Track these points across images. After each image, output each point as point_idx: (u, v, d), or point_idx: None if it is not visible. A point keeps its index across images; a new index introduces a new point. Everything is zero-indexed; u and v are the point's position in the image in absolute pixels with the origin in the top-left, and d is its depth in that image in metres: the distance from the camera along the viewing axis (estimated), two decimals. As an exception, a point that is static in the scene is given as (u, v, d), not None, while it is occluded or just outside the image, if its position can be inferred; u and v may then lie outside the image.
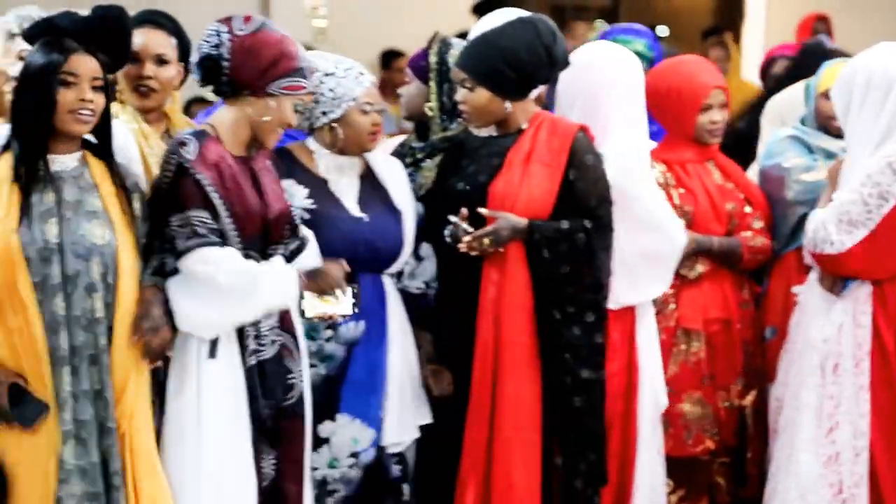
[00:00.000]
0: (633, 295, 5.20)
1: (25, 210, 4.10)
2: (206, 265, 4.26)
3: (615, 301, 5.13)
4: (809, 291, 5.31)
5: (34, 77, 4.12)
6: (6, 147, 4.16)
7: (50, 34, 4.25)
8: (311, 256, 4.64)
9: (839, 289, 5.18)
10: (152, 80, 4.83)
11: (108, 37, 4.30)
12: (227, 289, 4.27)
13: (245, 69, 4.43)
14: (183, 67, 4.92)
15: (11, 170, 4.11)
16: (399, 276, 5.04)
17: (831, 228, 5.08)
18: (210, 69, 4.45)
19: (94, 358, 4.15)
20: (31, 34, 4.37)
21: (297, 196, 4.77)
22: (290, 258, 4.57)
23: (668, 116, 5.63)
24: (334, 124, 4.86)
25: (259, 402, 4.41)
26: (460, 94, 5.02)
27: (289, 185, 4.77)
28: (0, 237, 4.04)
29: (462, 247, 4.84)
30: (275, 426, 4.49)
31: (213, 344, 4.34)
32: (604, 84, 5.24)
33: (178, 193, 4.32)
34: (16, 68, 4.55)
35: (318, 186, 4.87)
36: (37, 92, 4.11)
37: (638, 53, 6.24)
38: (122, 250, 4.21)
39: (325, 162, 4.92)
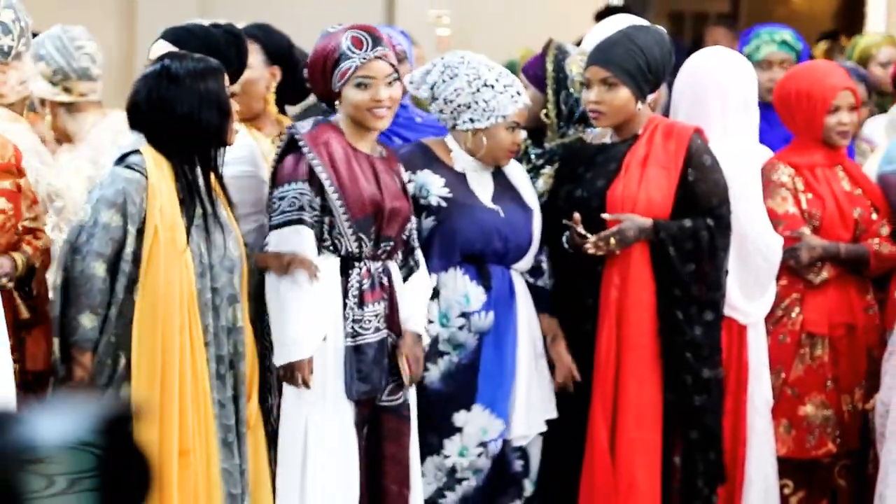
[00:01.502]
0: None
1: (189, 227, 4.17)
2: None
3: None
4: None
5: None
6: (123, 159, 4.19)
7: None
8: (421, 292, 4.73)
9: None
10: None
11: (226, 52, 4.49)
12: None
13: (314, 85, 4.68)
14: (279, 70, 5.00)
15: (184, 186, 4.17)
16: (531, 272, 5.08)
17: None
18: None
19: (232, 364, 4.27)
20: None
21: (435, 185, 4.86)
22: (405, 276, 4.68)
23: (797, 119, 5.58)
24: (479, 133, 4.90)
25: (348, 383, 4.47)
26: (596, 93, 5.00)
27: (426, 175, 4.86)
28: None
29: (589, 248, 4.87)
30: (377, 421, 4.57)
31: None
32: (708, 88, 5.26)
33: (283, 166, 4.46)
34: (40, 86, 4.76)
35: (455, 179, 4.92)
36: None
37: (785, 43, 6.31)
38: (242, 261, 4.34)
39: (461, 160, 4.96)
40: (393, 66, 4.60)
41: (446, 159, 4.97)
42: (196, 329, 4.08)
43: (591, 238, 4.88)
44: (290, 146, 4.50)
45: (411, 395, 4.67)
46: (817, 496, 5.65)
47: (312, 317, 4.42)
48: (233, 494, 4.23)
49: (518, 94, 4.96)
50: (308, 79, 4.73)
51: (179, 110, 4.17)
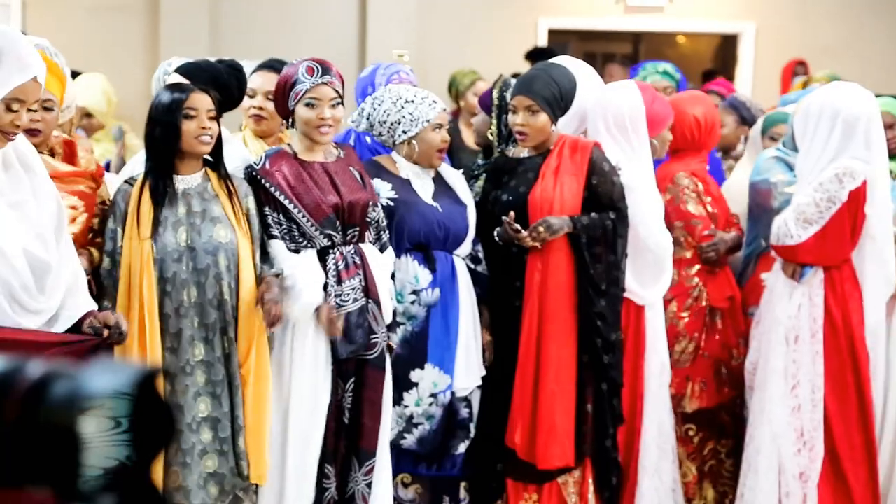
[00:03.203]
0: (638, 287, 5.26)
1: (158, 222, 4.20)
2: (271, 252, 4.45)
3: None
4: (775, 278, 5.34)
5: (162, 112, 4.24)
6: (147, 174, 4.25)
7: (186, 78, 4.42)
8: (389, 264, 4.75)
9: (798, 275, 5.23)
10: (263, 111, 4.99)
11: (227, 82, 4.51)
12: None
13: (276, 104, 4.67)
14: None
15: (149, 190, 4.21)
16: (472, 260, 5.06)
17: (791, 225, 5.14)
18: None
19: (224, 330, 4.26)
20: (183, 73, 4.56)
21: (384, 189, 4.82)
22: (381, 249, 4.68)
23: (695, 137, 5.67)
24: (412, 140, 4.90)
25: (339, 346, 4.48)
26: (521, 117, 5.00)
27: (377, 182, 4.82)
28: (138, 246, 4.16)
29: (525, 238, 4.89)
30: (358, 371, 4.56)
31: None
32: (608, 112, 5.26)
33: (257, 197, 4.47)
34: None
35: (401, 184, 4.91)
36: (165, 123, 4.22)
37: (666, 73, 6.33)
38: (241, 245, 4.32)
39: (405, 168, 4.96)
40: (337, 91, 4.57)
41: (393, 169, 4.96)
42: (151, 304, 4.14)
43: (525, 231, 4.90)
44: (251, 180, 4.52)
45: (386, 353, 4.67)
46: (711, 432, 5.68)
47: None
48: (221, 437, 4.23)
49: (434, 101, 4.96)
50: (274, 100, 4.73)
51: (147, 131, 4.27)
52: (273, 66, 5.07)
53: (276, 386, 4.44)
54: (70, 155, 4.62)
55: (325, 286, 4.48)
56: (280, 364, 4.46)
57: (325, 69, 4.56)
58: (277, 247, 4.47)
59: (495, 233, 5.03)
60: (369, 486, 4.63)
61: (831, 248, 5.21)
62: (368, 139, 5.20)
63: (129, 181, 4.26)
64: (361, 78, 5.60)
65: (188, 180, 4.29)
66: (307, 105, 4.52)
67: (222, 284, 4.27)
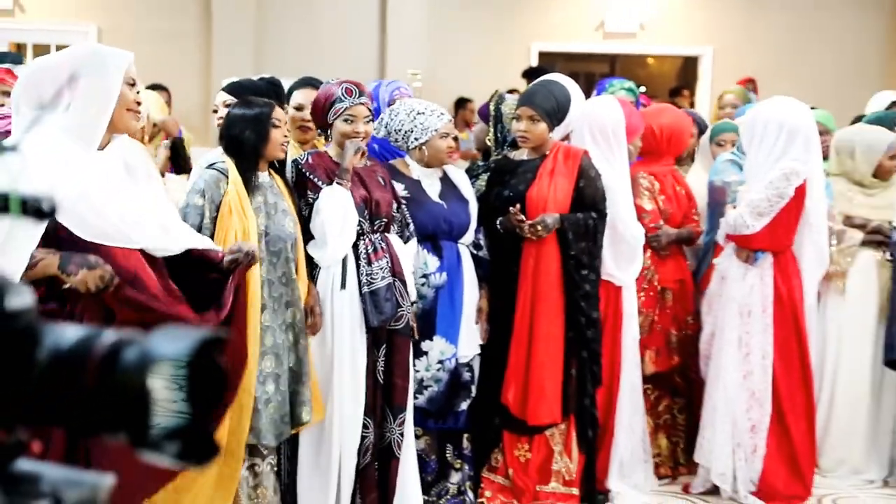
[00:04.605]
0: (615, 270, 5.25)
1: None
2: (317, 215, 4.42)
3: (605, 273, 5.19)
4: (727, 262, 5.34)
5: (255, 121, 4.21)
6: (211, 165, 4.20)
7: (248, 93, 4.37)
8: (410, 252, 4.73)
9: (752, 260, 5.25)
10: (309, 122, 4.92)
11: (268, 95, 4.43)
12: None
13: (314, 117, 4.65)
14: None
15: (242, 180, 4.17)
16: (475, 247, 5.04)
17: (747, 218, 5.15)
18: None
19: (289, 303, 4.25)
20: (231, 91, 4.56)
21: (398, 188, 4.79)
22: (406, 239, 4.67)
23: (665, 143, 5.68)
24: (422, 146, 4.89)
25: (370, 316, 4.46)
26: (524, 124, 5.03)
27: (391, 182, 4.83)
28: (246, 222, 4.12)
29: (526, 228, 4.91)
30: (389, 339, 4.56)
31: (343, 278, 4.45)
32: (593, 124, 5.25)
33: (299, 185, 4.49)
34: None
35: (413, 184, 4.90)
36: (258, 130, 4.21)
37: (629, 89, 6.33)
38: (298, 234, 4.34)
39: (416, 170, 4.95)
40: (370, 110, 4.58)
41: (406, 171, 4.95)
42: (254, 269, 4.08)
43: (528, 221, 4.91)
44: (298, 173, 4.53)
45: (413, 324, 4.67)
46: (666, 392, 5.69)
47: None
48: (281, 390, 4.21)
49: (442, 113, 4.95)
50: (311, 112, 4.71)
51: (233, 136, 4.21)
52: (312, 83, 5.04)
53: (321, 352, 4.44)
54: None
55: (358, 267, 4.49)
56: (323, 333, 4.45)
57: (361, 91, 4.57)
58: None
59: (497, 222, 5.04)
60: (402, 434, 4.65)
61: (780, 236, 5.24)
62: (376, 146, 5.18)
63: (218, 169, 4.18)
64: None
65: (262, 177, 4.28)
66: (345, 121, 4.52)
67: (290, 265, 4.27)
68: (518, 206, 4.94)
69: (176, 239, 3.58)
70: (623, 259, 5.25)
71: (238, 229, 4.08)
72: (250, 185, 4.20)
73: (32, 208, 1.24)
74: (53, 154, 3.23)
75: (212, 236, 4.02)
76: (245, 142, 4.20)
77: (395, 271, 4.56)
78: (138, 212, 3.44)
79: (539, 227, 4.93)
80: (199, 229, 4.03)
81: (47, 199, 1.24)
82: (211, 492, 3.98)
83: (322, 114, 4.57)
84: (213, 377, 1.17)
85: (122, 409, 1.14)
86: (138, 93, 3.52)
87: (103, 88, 3.35)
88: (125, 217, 3.38)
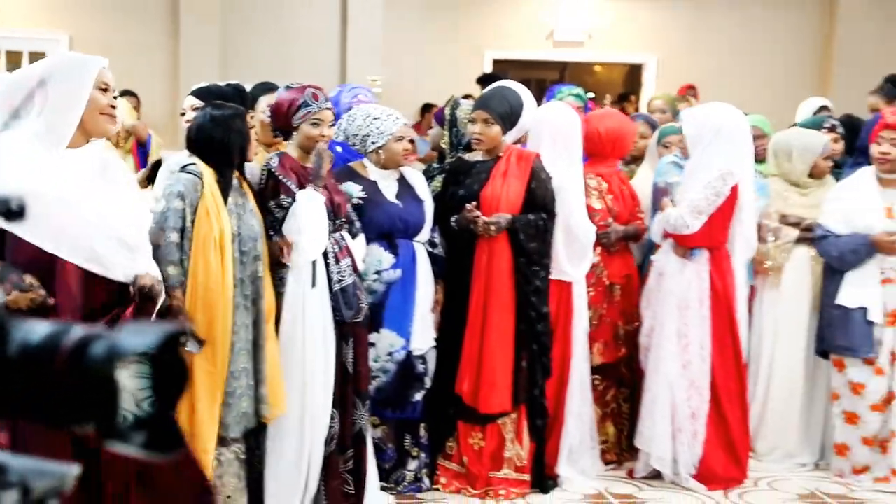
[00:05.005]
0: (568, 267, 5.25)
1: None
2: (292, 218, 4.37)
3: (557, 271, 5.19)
4: (665, 259, 5.37)
5: (232, 124, 4.17)
6: (184, 168, 4.12)
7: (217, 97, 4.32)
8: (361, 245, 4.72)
9: (689, 255, 5.28)
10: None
11: (233, 100, 4.41)
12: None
13: (275, 120, 4.57)
14: None
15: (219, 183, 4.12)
16: (430, 244, 5.03)
17: (687, 217, 5.18)
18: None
19: (255, 301, 4.21)
20: (198, 94, 4.53)
21: (355, 190, 4.81)
22: (354, 235, 4.63)
23: (609, 146, 5.65)
24: (379, 149, 4.88)
25: (343, 312, 4.45)
26: (479, 127, 5.03)
27: (350, 184, 4.82)
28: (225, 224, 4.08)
29: (481, 224, 4.92)
30: (353, 332, 4.54)
31: (314, 277, 4.41)
32: (544, 128, 5.26)
33: (270, 188, 4.44)
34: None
35: (370, 185, 4.89)
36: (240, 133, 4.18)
37: (577, 95, 6.35)
38: (262, 233, 4.29)
39: (373, 172, 4.94)
40: (334, 114, 4.57)
41: (363, 173, 4.94)
42: (227, 268, 4.05)
43: (483, 218, 4.92)
44: (270, 175, 4.47)
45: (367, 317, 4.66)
46: (612, 382, 5.68)
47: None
48: (250, 384, 4.20)
49: (397, 118, 4.95)
50: (271, 116, 4.64)
51: (217, 138, 4.17)
52: (274, 88, 5.00)
53: (292, 347, 4.39)
54: None
55: (327, 266, 4.47)
56: (294, 330, 4.41)
57: (326, 97, 4.55)
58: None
59: (452, 220, 5.03)
60: (367, 421, 4.67)
61: (716, 233, 5.28)
62: (339, 148, 5.16)
63: (192, 172, 4.12)
64: (330, 98, 5.57)
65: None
66: (312, 124, 4.48)
67: (257, 264, 4.23)
68: (475, 203, 4.94)
69: (136, 260, 3.45)
70: (575, 256, 5.25)
71: (216, 233, 4.04)
72: (229, 188, 4.16)
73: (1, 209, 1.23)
74: (18, 155, 3.17)
75: (190, 239, 4.00)
76: (231, 144, 4.17)
77: (356, 269, 4.56)
78: (111, 217, 3.35)
79: (492, 226, 4.93)
80: (182, 232, 4.00)
81: (16, 199, 1.23)
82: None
83: (287, 117, 4.51)
84: (176, 370, 1.17)
85: (91, 400, 1.13)
86: (115, 97, 3.46)
87: (72, 92, 3.29)
88: (93, 223, 3.29)
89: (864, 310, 5.39)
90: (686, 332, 5.28)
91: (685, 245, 5.28)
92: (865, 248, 5.39)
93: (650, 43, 12.29)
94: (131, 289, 3.42)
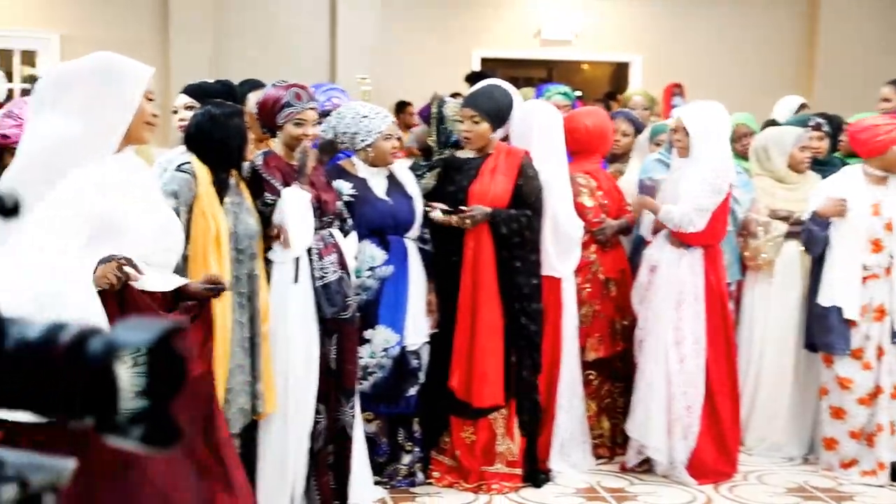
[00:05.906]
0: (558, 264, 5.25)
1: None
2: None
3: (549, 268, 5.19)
4: (658, 253, 5.35)
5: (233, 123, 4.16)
6: (179, 167, 4.08)
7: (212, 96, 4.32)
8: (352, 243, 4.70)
9: (685, 248, 5.28)
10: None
11: (222, 97, 4.40)
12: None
13: (261, 118, 4.54)
14: None
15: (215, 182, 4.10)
16: (421, 241, 5.03)
17: (693, 216, 5.19)
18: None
19: (250, 298, 4.20)
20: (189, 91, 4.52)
21: (345, 187, 4.81)
22: (346, 233, 4.62)
23: (595, 142, 5.64)
24: (368, 147, 4.88)
25: (324, 308, 4.44)
26: (466, 125, 5.03)
27: (340, 182, 4.81)
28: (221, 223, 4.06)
29: (454, 221, 4.91)
30: (337, 328, 4.51)
31: (296, 273, 4.39)
32: (533, 126, 5.25)
33: (257, 185, 4.42)
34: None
35: (360, 183, 4.89)
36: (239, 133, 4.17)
37: (565, 94, 6.34)
38: (258, 231, 4.29)
39: (363, 170, 4.94)
40: (318, 114, 4.54)
41: (353, 171, 4.94)
42: (224, 266, 4.03)
43: (455, 217, 4.92)
44: (254, 174, 4.44)
45: (356, 314, 4.65)
46: (607, 377, 5.67)
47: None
48: (247, 381, 4.19)
49: (386, 116, 4.95)
50: (257, 113, 4.58)
51: (217, 137, 4.15)
52: (263, 86, 4.97)
53: (275, 342, 4.37)
54: None
55: (311, 261, 4.45)
56: (276, 325, 4.39)
57: (311, 97, 4.51)
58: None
59: (431, 215, 5.02)
60: (353, 416, 4.65)
61: (717, 231, 5.31)
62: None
63: (186, 171, 4.08)
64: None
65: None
66: (296, 124, 4.45)
67: (254, 261, 4.22)
68: (437, 203, 4.95)
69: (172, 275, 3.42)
70: (563, 252, 5.25)
71: (212, 232, 4.01)
72: (226, 186, 4.14)
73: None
74: (111, 180, 3.13)
75: (186, 239, 3.95)
76: (229, 143, 4.15)
77: (343, 265, 4.54)
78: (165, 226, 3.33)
79: (467, 220, 4.93)
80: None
81: (9, 196, 1.21)
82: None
83: (271, 115, 4.49)
84: (174, 364, 1.15)
85: (89, 394, 1.12)
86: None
87: (123, 100, 3.22)
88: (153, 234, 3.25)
89: (839, 308, 5.40)
90: (681, 326, 5.27)
91: (688, 243, 5.29)
92: (817, 226, 5.44)
93: (636, 42, 12.34)
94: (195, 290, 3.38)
